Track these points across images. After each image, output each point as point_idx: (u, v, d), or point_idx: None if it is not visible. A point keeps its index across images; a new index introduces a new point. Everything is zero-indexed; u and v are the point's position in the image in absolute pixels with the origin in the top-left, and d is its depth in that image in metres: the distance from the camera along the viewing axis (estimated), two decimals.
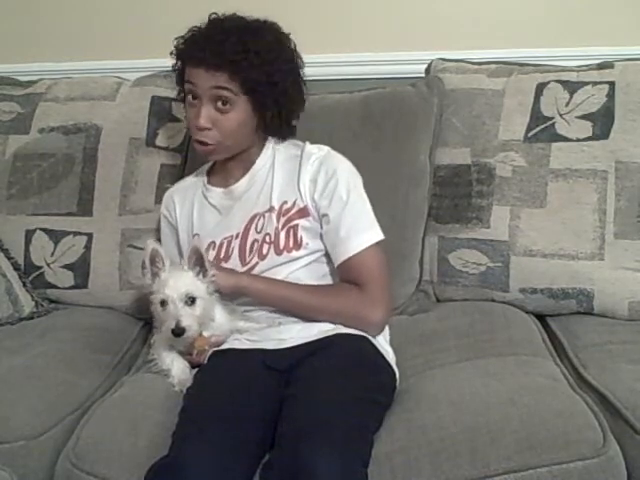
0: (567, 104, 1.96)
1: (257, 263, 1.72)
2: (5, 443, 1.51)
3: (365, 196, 1.74)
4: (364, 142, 2.03)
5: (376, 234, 1.70)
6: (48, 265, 2.14)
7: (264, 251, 1.71)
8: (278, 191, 1.75)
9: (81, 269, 2.12)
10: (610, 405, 1.49)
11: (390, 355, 1.68)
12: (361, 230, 1.69)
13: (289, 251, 1.70)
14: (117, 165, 2.15)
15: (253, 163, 1.80)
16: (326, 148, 1.77)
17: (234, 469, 1.33)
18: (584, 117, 1.95)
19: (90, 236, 2.13)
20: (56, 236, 2.14)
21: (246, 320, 1.69)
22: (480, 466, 1.33)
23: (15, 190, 2.17)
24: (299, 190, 1.72)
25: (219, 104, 1.68)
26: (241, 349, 1.64)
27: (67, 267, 2.13)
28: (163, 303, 1.59)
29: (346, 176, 1.73)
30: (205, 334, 1.65)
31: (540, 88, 2.00)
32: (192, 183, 1.90)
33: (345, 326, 1.65)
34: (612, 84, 1.96)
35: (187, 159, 2.15)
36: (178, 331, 1.56)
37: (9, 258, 2.12)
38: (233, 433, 1.38)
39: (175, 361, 1.66)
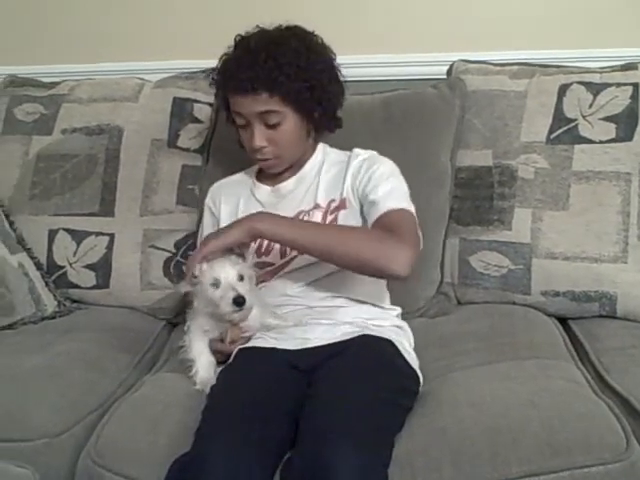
0: (590, 106, 1.95)
1: (295, 256, 1.73)
2: (27, 441, 1.52)
3: (405, 186, 1.75)
4: (385, 144, 2.01)
5: (412, 207, 1.71)
6: (70, 265, 2.15)
7: None
8: (324, 190, 1.78)
9: (103, 269, 2.13)
10: (633, 409, 1.48)
11: (413, 359, 1.67)
12: (401, 197, 1.71)
13: None
14: (139, 166, 2.16)
15: (303, 165, 1.84)
16: (373, 151, 1.82)
17: (255, 467, 1.33)
18: (607, 119, 1.94)
19: (112, 236, 2.14)
20: (78, 236, 2.15)
21: (275, 317, 1.70)
22: (501, 468, 1.32)
23: (38, 190, 2.19)
24: (343, 186, 1.76)
25: (268, 123, 1.71)
26: (265, 347, 1.64)
27: (89, 267, 2.14)
28: (216, 283, 1.59)
29: (389, 168, 1.77)
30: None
31: (563, 89, 1.99)
32: (241, 179, 1.93)
33: (366, 265, 1.60)
34: (636, 85, 1.94)
35: (209, 160, 2.16)
36: (240, 299, 1.57)
37: (32, 258, 2.13)
38: (255, 431, 1.38)
39: (203, 355, 1.66)
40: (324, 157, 1.86)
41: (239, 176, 1.96)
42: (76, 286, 2.16)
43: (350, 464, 1.25)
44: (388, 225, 1.65)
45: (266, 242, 1.76)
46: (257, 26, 1.78)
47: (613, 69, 2.01)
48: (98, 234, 2.15)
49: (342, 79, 1.81)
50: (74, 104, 2.25)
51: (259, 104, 1.69)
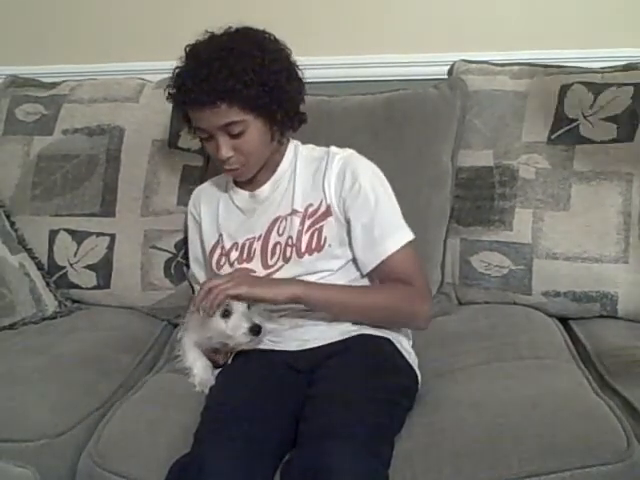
0: (591, 106, 1.95)
1: (282, 266, 1.71)
2: (28, 442, 1.52)
3: (393, 196, 1.73)
4: (386, 144, 2.03)
5: (409, 233, 1.70)
6: (71, 265, 2.15)
7: (287, 254, 1.71)
8: (301, 194, 1.74)
9: (104, 270, 2.13)
10: (633, 410, 1.47)
11: (412, 357, 1.67)
12: (396, 228, 1.69)
13: (310, 253, 1.69)
14: (140, 166, 2.16)
15: (277, 166, 1.80)
16: (350, 150, 1.77)
17: (255, 467, 1.33)
18: (609, 119, 1.94)
19: (113, 237, 2.14)
20: (79, 237, 2.15)
21: (270, 321, 1.69)
22: (501, 468, 1.32)
23: (39, 191, 2.19)
24: (324, 190, 1.72)
25: (232, 133, 1.66)
26: (264, 350, 1.64)
27: (90, 267, 2.14)
28: (226, 314, 1.59)
29: (370, 178, 1.72)
30: None
31: (564, 90, 1.99)
32: (219, 183, 1.91)
33: (396, 324, 1.68)
34: (637, 86, 1.94)
35: (209, 161, 2.16)
36: (256, 328, 1.57)
37: (33, 258, 2.13)
38: (254, 432, 1.38)
39: (198, 360, 1.66)
40: (296, 156, 1.80)
41: (217, 180, 1.93)
42: (77, 286, 2.15)
43: (351, 466, 1.25)
44: (400, 273, 1.66)
45: (247, 248, 1.75)
46: (206, 31, 1.72)
47: (614, 69, 2.01)
48: (99, 234, 2.14)
49: (300, 74, 1.75)
50: (75, 104, 2.25)
51: (219, 117, 1.63)
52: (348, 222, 1.70)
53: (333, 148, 1.78)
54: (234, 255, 1.75)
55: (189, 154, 2.16)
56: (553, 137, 1.96)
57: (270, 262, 1.72)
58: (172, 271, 2.11)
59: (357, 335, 1.62)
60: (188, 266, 2.07)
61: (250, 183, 1.81)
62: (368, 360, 1.56)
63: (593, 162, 1.92)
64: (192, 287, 2.01)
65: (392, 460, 1.35)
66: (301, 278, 1.67)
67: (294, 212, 1.73)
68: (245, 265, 1.74)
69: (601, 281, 1.90)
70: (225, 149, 1.67)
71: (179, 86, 1.67)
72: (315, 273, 1.68)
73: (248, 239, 1.76)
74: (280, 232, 1.73)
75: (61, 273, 2.15)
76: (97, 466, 1.45)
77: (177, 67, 1.71)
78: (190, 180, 2.13)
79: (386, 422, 1.41)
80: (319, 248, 1.69)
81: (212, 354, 1.68)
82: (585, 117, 1.95)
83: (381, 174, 1.75)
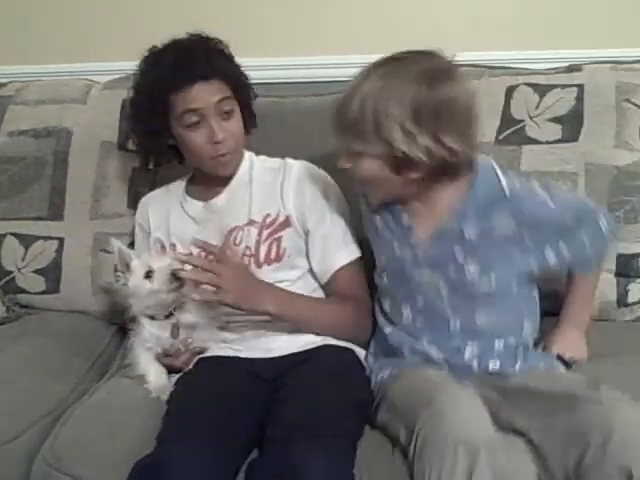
0: (537, 107, 1.98)
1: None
2: None
3: (346, 211, 1.78)
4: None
5: (357, 249, 1.76)
6: (19, 270, 2.12)
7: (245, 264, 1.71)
8: (259, 204, 1.75)
9: (52, 274, 2.10)
10: None
11: (368, 370, 1.69)
12: (346, 244, 1.74)
13: (269, 263, 1.71)
14: (88, 169, 2.13)
15: (233, 176, 1.80)
16: (306, 162, 1.80)
17: (218, 469, 1.34)
18: (554, 120, 1.97)
19: (61, 240, 2.11)
20: (27, 241, 2.12)
21: (232, 331, 1.69)
22: None
23: None
24: (282, 201, 1.74)
25: (224, 114, 1.70)
26: (227, 356, 1.65)
27: (38, 272, 2.11)
28: (149, 274, 1.61)
29: (326, 192, 1.76)
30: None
31: (510, 91, 2.02)
32: (168, 193, 1.90)
33: (347, 336, 1.70)
34: (581, 87, 1.97)
35: (156, 163, 2.14)
36: (176, 274, 1.59)
37: None
38: (218, 434, 1.39)
39: (152, 366, 1.66)
40: (252, 166, 1.83)
41: (165, 189, 1.93)
42: (25, 291, 2.12)
43: (320, 464, 1.28)
44: (347, 289, 1.72)
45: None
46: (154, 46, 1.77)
47: (558, 71, 2.04)
48: (47, 238, 2.12)
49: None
50: (21, 106, 2.21)
51: (215, 93, 1.68)
52: (306, 234, 1.73)
53: (289, 160, 1.81)
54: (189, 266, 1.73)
55: (139, 156, 2.14)
56: (501, 138, 1.99)
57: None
58: None
59: (322, 345, 1.65)
60: None
61: (203, 192, 1.81)
62: (332, 369, 1.58)
63: (539, 162, 1.95)
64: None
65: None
66: None
67: (251, 222, 1.74)
68: None
69: None
70: (219, 130, 1.68)
71: (167, 70, 1.67)
72: (274, 283, 1.68)
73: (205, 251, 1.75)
74: (237, 243, 1.73)
75: (8, 278, 2.12)
76: (53, 469, 1.45)
77: (151, 56, 1.74)
78: (140, 182, 2.11)
79: (351, 427, 1.45)
80: (278, 258, 1.71)
81: (166, 359, 1.68)
82: (531, 118, 1.98)
83: (336, 187, 1.79)
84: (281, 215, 1.73)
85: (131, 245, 1.99)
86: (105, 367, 1.90)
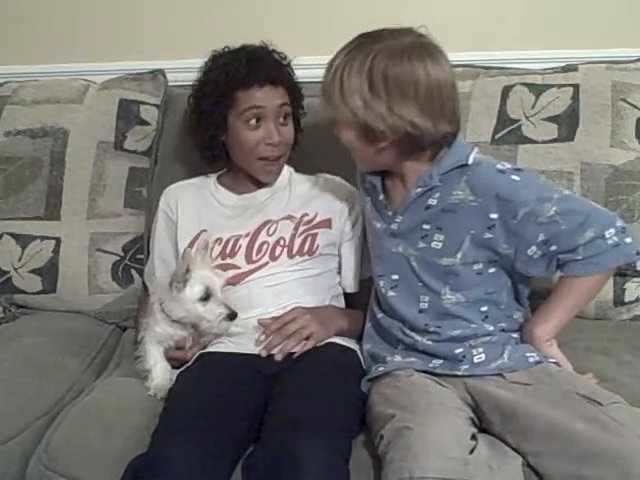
0: (533, 106, 1.99)
1: (267, 263, 1.75)
2: None
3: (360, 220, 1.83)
4: (335, 144, 2.02)
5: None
6: (15, 270, 2.11)
7: (276, 253, 1.76)
8: (297, 204, 1.82)
9: (49, 274, 2.10)
10: None
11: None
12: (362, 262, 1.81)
13: (302, 255, 1.76)
14: (85, 169, 2.13)
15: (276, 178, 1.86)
16: (341, 179, 1.89)
17: (215, 464, 1.34)
18: (550, 119, 1.98)
19: (58, 240, 2.11)
20: (24, 241, 2.12)
21: (237, 325, 1.70)
22: None
23: None
24: (321, 204, 1.82)
25: (281, 119, 1.78)
26: (227, 352, 1.65)
27: (35, 272, 2.10)
28: (205, 297, 1.61)
29: (356, 207, 1.82)
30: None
31: (506, 91, 2.02)
32: (198, 184, 1.93)
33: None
34: (576, 87, 1.98)
35: (156, 162, 2.15)
36: (234, 315, 1.61)
37: None
38: (215, 429, 1.39)
39: (159, 363, 1.65)
40: (290, 175, 1.89)
41: (194, 181, 1.94)
42: (22, 291, 2.12)
43: (317, 454, 1.29)
44: (364, 299, 1.76)
45: (231, 244, 1.77)
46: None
47: (554, 70, 2.05)
48: (44, 238, 2.11)
49: None
50: (17, 106, 2.20)
51: (279, 97, 1.77)
52: (341, 241, 1.82)
53: (324, 174, 1.90)
54: (217, 249, 1.77)
55: (135, 156, 2.14)
56: (497, 137, 1.99)
57: (254, 258, 1.76)
58: (119, 274, 2.09)
59: (324, 344, 1.67)
60: (135, 269, 2.06)
61: (238, 186, 1.87)
62: (332, 367, 1.60)
63: (535, 161, 1.95)
64: (145, 286, 2.00)
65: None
66: (284, 274, 1.74)
67: (289, 217, 1.80)
68: (228, 261, 1.76)
69: None
70: (275, 132, 1.76)
71: (245, 65, 1.75)
72: (299, 271, 1.75)
73: (234, 236, 1.79)
74: (270, 233, 1.78)
75: (5, 278, 2.12)
76: (48, 470, 1.44)
77: (220, 56, 1.82)
78: (136, 182, 2.12)
79: (348, 424, 1.45)
80: (311, 252, 1.77)
81: (176, 352, 1.67)
82: (527, 117, 1.98)
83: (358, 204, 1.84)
84: (319, 216, 1.80)
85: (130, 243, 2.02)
86: (101, 367, 1.89)
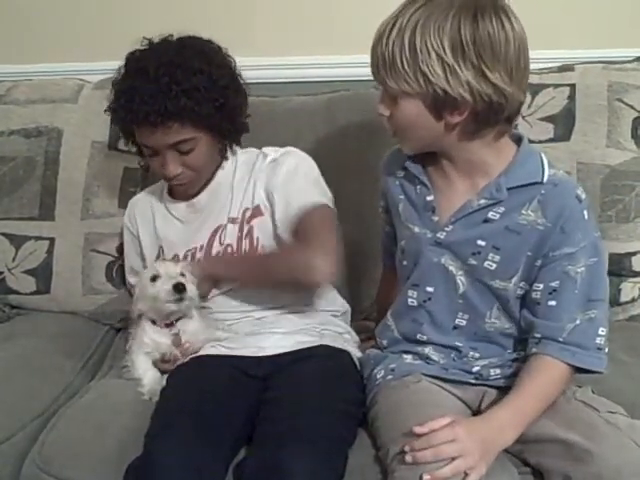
0: (529, 106, 1.98)
1: None
2: None
3: (316, 170, 1.74)
4: (328, 144, 2.03)
5: (326, 196, 1.69)
6: (9, 270, 2.11)
7: None
8: (239, 201, 1.74)
9: (43, 274, 2.10)
10: None
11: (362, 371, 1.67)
12: (309, 191, 1.68)
13: None
14: (79, 169, 2.12)
15: (214, 174, 1.79)
16: (283, 149, 1.76)
17: (206, 466, 1.33)
18: (546, 119, 1.98)
19: (52, 241, 2.10)
20: (17, 241, 2.11)
21: (224, 330, 1.69)
22: None
23: None
24: (253, 192, 1.72)
25: (182, 150, 1.66)
26: (218, 355, 1.63)
27: (29, 272, 2.10)
28: (154, 278, 1.60)
29: (295, 158, 1.73)
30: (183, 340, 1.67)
31: None
32: (152, 194, 1.90)
33: (296, 284, 1.63)
34: (573, 86, 1.98)
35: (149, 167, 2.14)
36: (180, 287, 1.58)
37: None
38: (206, 430, 1.38)
39: (149, 371, 1.65)
40: (235, 162, 1.80)
41: (150, 190, 1.93)
42: (16, 292, 2.12)
43: (305, 467, 1.26)
44: (303, 230, 1.62)
45: (189, 260, 1.74)
46: (144, 38, 1.69)
47: (550, 70, 2.05)
48: (38, 238, 2.11)
49: (243, 83, 1.76)
50: (11, 105, 2.19)
51: (170, 136, 1.62)
52: (272, 204, 1.70)
53: (265, 149, 1.78)
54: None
55: (130, 156, 2.11)
56: None
57: None
58: (114, 275, 2.09)
59: (316, 346, 1.63)
60: None
61: (185, 192, 1.80)
62: (326, 370, 1.56)
63: None
64: (130, 293, 1.97)
65: (346, 473, 1.36)
66: None
67: (231, 220, 1.73)
68: None
69: None
70: (173, 166, 1.66)
71: (124, 103, 1.62)
72: None
73: (189, 250, 1.76)
74: (222, 241, 1.74)
75: None
76: (42, 472, 1.44)
77: (118, 81, 1.67)
78: (131, 182, 2.11)
79: (343, 433, 1.42)
80: (253, 251, 1.70)
81: (162, 363, 1.67)
82: (523, 117, 1.98)
83: (310, 162, 1.75)
84: (254, 207, 1.72)
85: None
86: (96, 368, 1.89)
